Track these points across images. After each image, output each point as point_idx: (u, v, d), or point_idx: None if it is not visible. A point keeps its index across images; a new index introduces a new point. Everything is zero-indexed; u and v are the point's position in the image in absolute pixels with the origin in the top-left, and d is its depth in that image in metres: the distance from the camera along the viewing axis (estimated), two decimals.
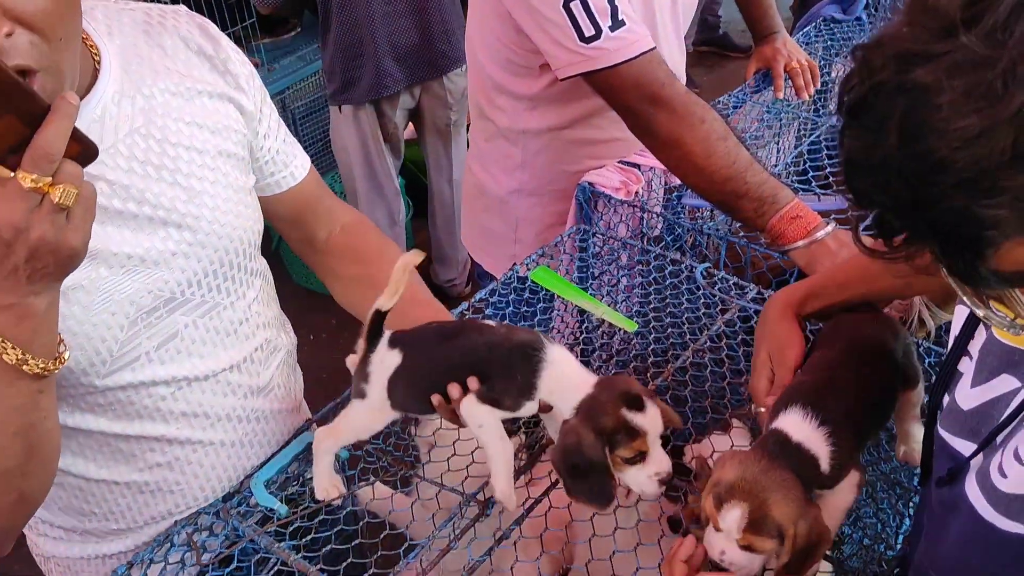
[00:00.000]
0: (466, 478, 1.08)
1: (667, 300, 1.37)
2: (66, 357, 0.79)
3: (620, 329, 1.34)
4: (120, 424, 0.98)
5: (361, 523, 1.05)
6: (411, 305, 1.13)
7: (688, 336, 1.30)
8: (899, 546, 1.06)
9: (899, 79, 0.52)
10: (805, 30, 2.09)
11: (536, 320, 1.34)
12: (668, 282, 1.39)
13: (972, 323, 0.74)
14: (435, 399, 0.95)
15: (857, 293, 1.03)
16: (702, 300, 1.34)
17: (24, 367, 0.74)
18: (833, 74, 2.02)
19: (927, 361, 1.17)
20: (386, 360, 0.95)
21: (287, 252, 3.17)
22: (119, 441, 0.99)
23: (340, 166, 2.93)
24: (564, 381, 0.93)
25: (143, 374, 0.96)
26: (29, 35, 0.72)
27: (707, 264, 1.39)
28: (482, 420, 0.93)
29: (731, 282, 1.36)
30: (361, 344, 0.97)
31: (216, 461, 1.07)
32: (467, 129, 2.71)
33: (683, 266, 1.40)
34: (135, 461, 1.01)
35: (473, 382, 0.93)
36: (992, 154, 0.47)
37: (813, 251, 1.32)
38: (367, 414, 0.97)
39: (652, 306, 1.37)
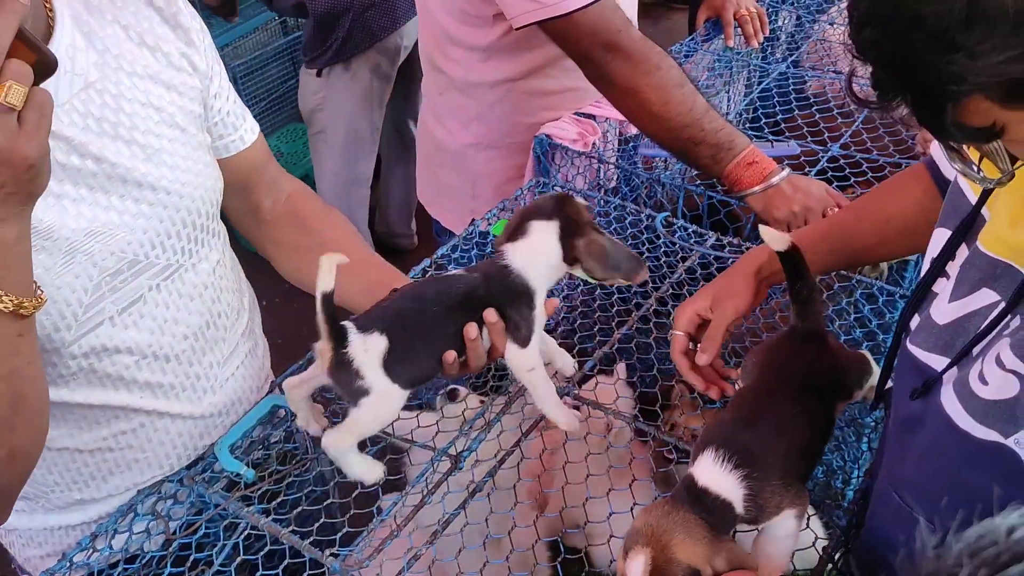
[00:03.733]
0: (436, 433, 1.08)
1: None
2: (44, 297, 0.75)
3: (582, 280, 1.34)
4: (84, 392, 0.94)
5: (331, 483, 1.03)
6: (364, 268, 1.11)
7: (650, 285, 1.30)
8: (857, 480, 1.09)
9: None
10: None
11: None
12: (628, 232, 1.40)
13: (952, 244, 0.76)
14: (449, 356, 0.94)
15: (832, 248, 1.03)
16: (663, 249, 1.35)
17: None
18: (780, 22, 2.03)
19: (880, 300, 1.19)
20: (370, 348, 0.90)
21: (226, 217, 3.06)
22: (83, 410, 0.96)
23: (314, 126, 2.83)
24: (535, 254, 0.96)
25: (108, 339, 0.93)
26: None
27: (666, 213, 1.40)
28: (532, 362, 0.97)
29: (690, 230, 1.37)
30: (325, 347, 0.90)
31: (183, 429, 1.04)
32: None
33: (642, 216, 1.40)
34: (99, 429, 0.98)
35: (491, 313, 0.94)
36: (952, 12, 0.51)
37: (769, 196, 1.33)
38: (378, 406, 0.91)
39: None
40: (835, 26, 1.94)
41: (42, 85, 0.69)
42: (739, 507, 0.80)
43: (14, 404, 0.75)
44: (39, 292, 0.75)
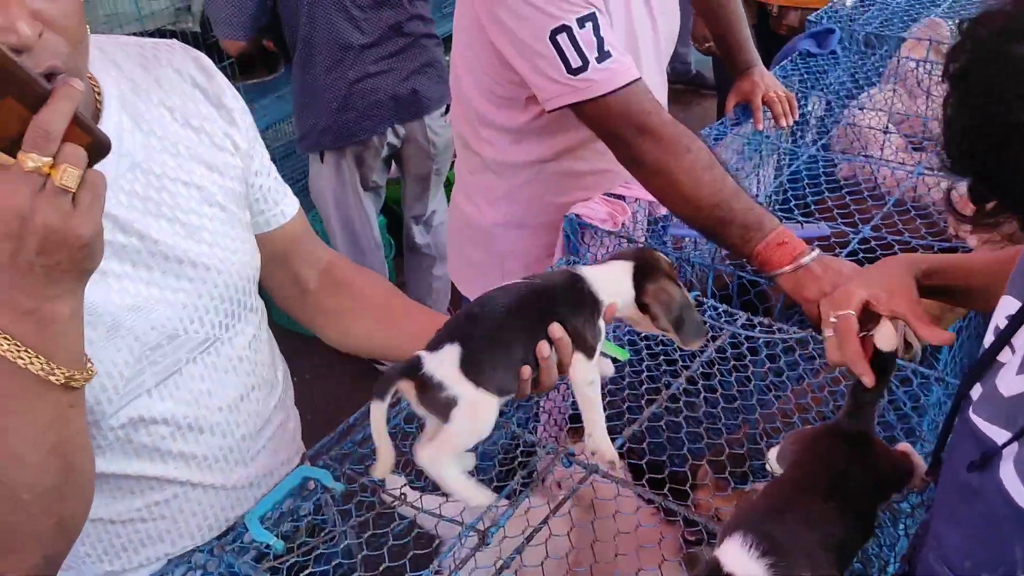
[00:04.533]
0: (464, 509, 1.07)
1: None
2: (94, 370, 0.77)
3: (612, 358, 1.34)
4: (119, 463, 0.95)
5: (358, 557, 1.03)
6: (410, 316, 1.14)
7: (680, 364, 1.30)
8: (893, 567, 1.06)
9: (1001, 51, 0.55)
10: (781, 64, 2.13)
11: None
12: None
13: (1021, 317, 0.75)
14: (524, 372, 0.95)
15: (980, 283, 0.99)
16: None
17: (51, 378, 0.72)
18: (810, 107, 2.07)
19: (915, 383, 1.18)
20: (443, 360, 0.91)
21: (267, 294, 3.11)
22: (118, 480, 0.97)
23: (320, 212, 2.89)
24: (607, 277, 0.99)
25: (145, 411, 0.94)
26: (56, 37, 0.73)
27: (695, 293, 1.40)
28: (593, 375, 0.98)
29: (720, 310, 1.37)
30: (406, 384, 0.92)
31: (214, 500, 1.04)
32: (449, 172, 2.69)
33: None
34: (132, 500, 0.99)
35: (557, 328, 0.95)
36: None
37: (799, 276, 1.33)
38: (471, 413, 0.91)
39: (643, 335, 1.38)
40: (865, 111, 1.97)
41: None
42: None
43: (64, 474, 0.77)
44: (89, 365, 0.77)
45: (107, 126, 0.88)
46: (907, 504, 1.07)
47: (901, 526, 1.07)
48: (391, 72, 2.45)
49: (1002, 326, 0.77)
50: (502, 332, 0.95)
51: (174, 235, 0.93)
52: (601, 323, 0.99)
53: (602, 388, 1.35)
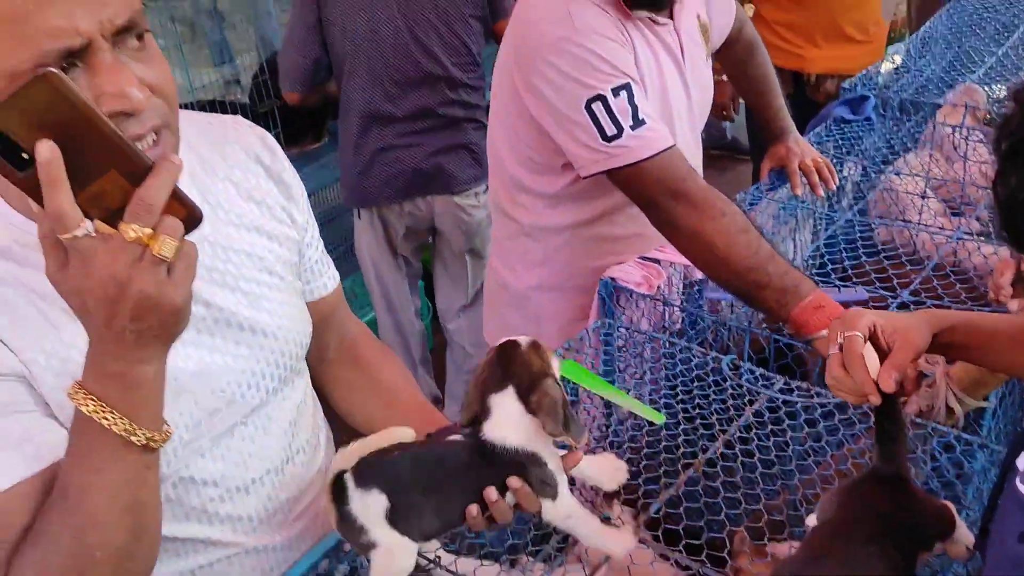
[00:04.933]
0: (499, 572, 1.06)
1: (693, 393, 1.37)
2: (170, 432, 0.79)
3: (648, 422, 1.33)
4: (169, 525, 0.96)
5: None
6: (409, 412, 1.14)
7: (716, 428, 1.29)
8: None
9: None
10: (816, 130, 2.15)
11: None
12: (694, 374, 1.40)
13: None
14: (472, 510, 0.93)
15: (1006, 345, 0.98)
16: (729, 392, 1.34)
17: (132, 438, 0.74)
18: (846, 172, 2.07)
19: (958, 449, 1.15)
20: (370, 504, 0.91)
21: None
22: (166, 542, 0.96)
23: (360, 266, 2.91)
24: (508, 433, 0.94)
25: (197, 472, 0.95)
26: (158, 100, 0.77)
27: (732, 356, 1.40)
28: (568, 510, 0.95)
29: (757, 373, 1.36)
30: (327, 502, 0.93)
31: (255, 563, 1.05)
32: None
33: (708, 358, 1.40)
34: (178, 562, 0.99)
35: (515, 480, 0.92)
36: None
37: None
38: (389, 558, 0.92)
39: (679, 399, 1.37)
40: (902, 176, 1.98)
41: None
42: None
43: (136, 533, 0.78)
44: (166, 427, 0.79)
45: None
46: (950, 574, 1.04)
47: None
48: (416, 147, 2.46)
49: None
50: (440, 484, 0.94)
51: (236, 303, 0.96)
52: (553, 467, 0.94)
53: (639, 451, 1.34)
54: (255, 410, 1.00)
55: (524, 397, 0.93)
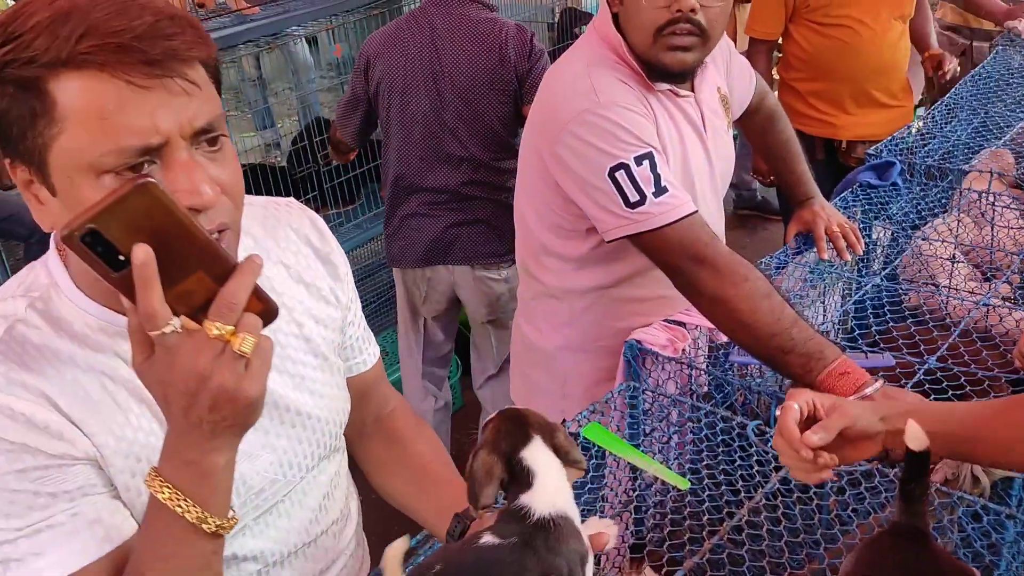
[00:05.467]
0: None
1: (719, 458, 1.36)
2: (236, 519, 0.81)
3: (673, 487, 1.33)
4: None
5: None
6: (439, 487, 1.13)
7: (743, 494, 1.28)
8: None
9: None
10: (842, 195, 2.16)
11: (589, 477, 1.34)
12: (719, 439, 1.39)
13: None
14: None
15: (969, 434, 1.00)
16: (755, 458, 1.33)
17: (204, 526, 0.76)
18: (874, 236, 2.08)
19: (986, 519, 1.13)
20: None
21: None
22: None
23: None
24: (556, 495, 0.89)
25: (239, 549, 0.96)
26: (226, 199, 0.80)
27: (758, 421, 1.39)
28: None
29: None
30: None
31: None
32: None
33: (734, 423, 1.40)
34: None
35: None
36: None
37: None
38: None
39: (704, 463, 1.37)
40: (930, 242, 1.98)
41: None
42: None
43: None
44: (232, 513, 0.81)
45: None
46: None
47: None
48: (437, 218, 2.54)
49: None
50: None
51: (283, 385, 0.97)
52: (582, 538, 0.89)
53: (665, 516, 1.34)
54: (295, 487, 1.01)
55: (551, 444, 0.91)
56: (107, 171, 0.74)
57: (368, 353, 1.16)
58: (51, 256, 0.87)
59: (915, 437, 0.92)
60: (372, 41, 2.51)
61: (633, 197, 1.38)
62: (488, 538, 0.87)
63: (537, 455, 0.90)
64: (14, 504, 0.78)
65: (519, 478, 0.89)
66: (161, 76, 0.74)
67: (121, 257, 0.69)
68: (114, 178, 0.75)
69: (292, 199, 1.10)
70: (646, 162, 1.38)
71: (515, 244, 1.77)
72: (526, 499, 0.88)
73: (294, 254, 1.03)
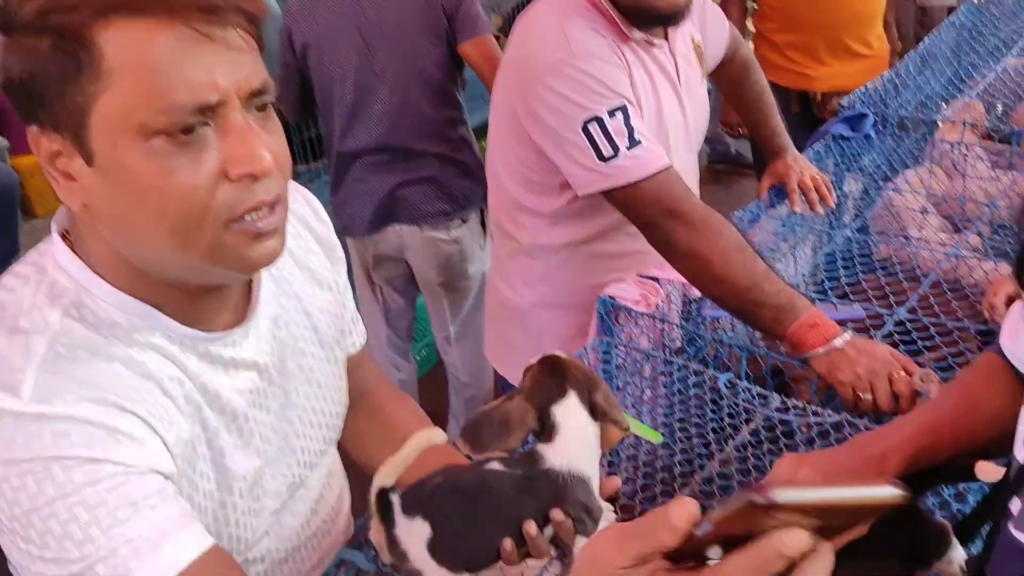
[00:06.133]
0: None
1: (691, 411, 1.38)
2: None
3: (646, 441, 1.34)
4: None
5: None
6: (427, 452, 1.12)
7: (714, 446, 1.30)
8: None
9: None
10: (815, 147, 2.16)
11: None
12: (692, 393, 1.40)
13: None
14: (507, 544, 0.88)
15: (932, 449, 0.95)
16: (726, 410, 1.34)
17: None
18: (846, 188, 2.08)
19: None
20: (413, 532, 0.88)
21: None
22: None
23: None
24: (576, 450, 0.89)
25: (256, 552, 0.94)
26: (277, 170, 0.75)
27: (730, 374, 1.40)
28: None
29: (754, 392, 1.36)
30: (376, 525, 0.91)
31: None
32: (468, 292, 2.62)
33: (706, 376, 1.41)
34: None
35: (558, 513, 0.88)
36: None
37: (833, 358, 1.33)
38: None
39: (677, 417, 1.38)
40: (902, 193, 1.98)
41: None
42: None
43: None
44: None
45: (256, 282, 0.89)
46: None
47: None
48: (378, 179, 2.44)
49: None
50: (479, 516, 0.89)
51: (296, 380, 0.93)
52: (594, 497, 0.89)
53: (637, 470, 1.35)
54: (303, 483, 0.98)
55: (587, 401, 0.90)
56: (158, 132, 0.68)
57: (357, 334, 1.12)
58: (60, 251, 0.78)
59: (986, 471, 0.88)
60: (290, 10, 2.38)
61: (606, 151, 1.37)
62: (496, 465, 0.89)
63: (568, 412, 0.89)
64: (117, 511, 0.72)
65: (545, 430, 0.90)
66: (223, 25, 0.69)
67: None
68: (166, 141, 0.69)
69: (294, 183, 1.04)
70: (619, 114, 1.37)
71: (488, 202, 1.75)
72: (542, 449, 0.89)
73: (294, 237, 0.97)
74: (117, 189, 0.71)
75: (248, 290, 0.90)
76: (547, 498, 0.89)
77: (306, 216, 1.00)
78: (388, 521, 0.89)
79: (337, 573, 1.10)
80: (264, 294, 0.90)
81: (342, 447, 1.18)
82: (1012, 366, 0.94)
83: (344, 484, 1.16)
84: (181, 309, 0.80)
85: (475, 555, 0.90)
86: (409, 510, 0.90)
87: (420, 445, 0.92)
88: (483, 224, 2.57)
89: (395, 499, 0.90)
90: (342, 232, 2.62)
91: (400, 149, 2.40)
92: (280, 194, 0.76)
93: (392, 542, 0.89)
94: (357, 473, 1.14)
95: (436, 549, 0.88)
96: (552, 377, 0.92)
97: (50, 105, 0.69)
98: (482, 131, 1.80)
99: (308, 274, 0.98)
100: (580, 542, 0.92)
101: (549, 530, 0.90)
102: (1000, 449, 1.00)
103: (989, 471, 0.88)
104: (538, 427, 0.91)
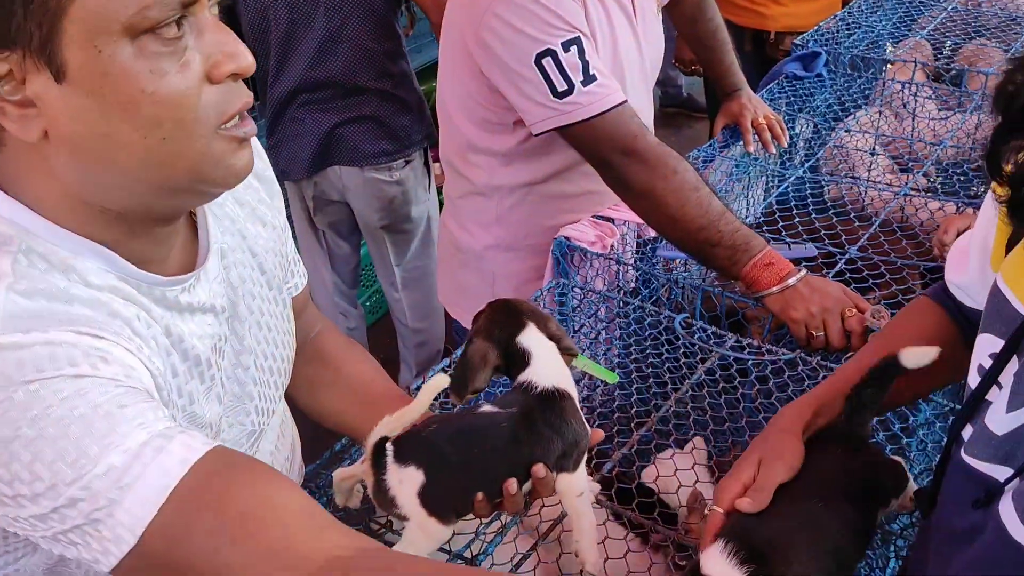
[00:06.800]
0: (452, 536, 1.06)
1: (647, 351, 1.37)
2: None
3: (602, 382, 1.33)
4: None
5: None
6: (386, 402, 1.05)
7: (670, 386, 1.30)
8: None
9: None
10: (768, 87, 2.15)
11: None
12: (647, 333, 1.40)
13: (1004, 356, 0.75)
14: (478, 497, 0.88)
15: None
16: (682, 350, 1.35)
17: None
18: (798, 129, 2.08)
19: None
20: (404, 479, 0.87)
21: None
22: None
23: None
24: (550, 366, 0.91)
25: None
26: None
27: (684, 315, 1.40)
28: (581, 486, 0.91)
29: (709, 331, 1.37)
30: (367, 469, 0.89)
31: None
32: (413, 232, 2.53)
33: (661, 317, 1.41)
34: None
35: (540, 469, 0.87)
36: None
37: (786, 297, 1.33)
38: (420, 534, 0.88)
39: (632, 358, 1.38)
40: (852, 133, 1.99)
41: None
42: None
43: None
44: None
45: (202, 220, 0.85)
46: (896, 525, 1.07)
47: (891, 547, 1.06)
48: (316, 119, 2.33)
49: (986, 365, 0.76)
50: (473, 466, 0.88)
51: (248, 323, 0.89)
52: (575, 422, 0.90)
53: (593, 411, 1.35)
54: (263, 433, 0.95)
55: (545, 331, 0.93)
56: (147, 30, 0.63)
57: (299, 275, 1.08)
58: None
59: (914, 355, 0.88)
60: None
61: (561, 86, 1.33)
62: (488, 407, 0.90)
63: (532, 339, 0.92)
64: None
65: (517, 361, 0.92)
66: None
67: None
68: (154, 41, 0.64)
69: None
70: (574, 48, 1.33)
71: (439, 141, 1.70)
72: (526, 376, 0.90)
73: (248, 185, 0.93)
74: (97, 103, 0.65)
75: (195, 231, 0.85)
76: (541, 428, 0.88)
77: None
78: (379, 468, 0.87)
79: None
80: (212, 233, 0.86)
81: (290, 394, 1.15)
82: (944, 306, 0.95)
83: (295, 432, 1.13)
84: (134, 249, 0.75)
85: (466, 501, 0.89)
86: (402, 458, 0.88)
87: (433, 391, 0.88)
88: (427, 165, 2.50)
89: (389, 447, 0.88)
90: (281, 176, 2.54)
91: (338, 85, 2.29)
92: (250, 103, 0.73)
93: (380, 488, 0.88)
94: (305, 423, 1.12)
95: (427, 497, 0.86)
96: (506, 314, 0.94)
97: (6, 18, 0.62)
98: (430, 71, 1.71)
99: (249, 211, 0.94)
100: (562, 478, 0.90)
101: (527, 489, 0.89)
102: (939, 384, 1.02)
103: (915, 356, 0.88)
104: (503, 363, 0.92)
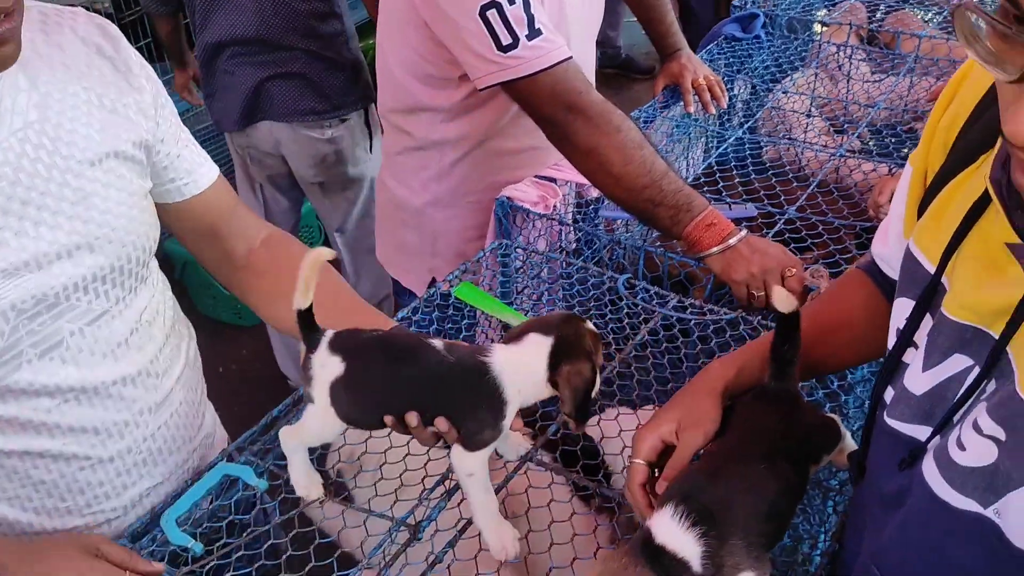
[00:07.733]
0: (395, 503, 1.04)
1: (591, 312, 1.37)
2: None
3: None
4: (1, 438, 0.92)
5: (283, 557, 0.98)
6: (350, 315, 1.09)
7: (614, 347, 1.29)
8: (824, 544, 1.07)
9: None
10: (708, 48, 2.14)
11: (460, 337, 1.31)
12: (591, 294, 1.39)
13: (917, 315, 0.76)
14: (388, 420, 0.90)
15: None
16: (625, 311, 1.34)
17: None
18: (736, 90, 2.09)
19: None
20: (327, 365, 0.89)
21: (192, 281, 3.03)
22: (0, 457, 0.93)
23: None
24: (520, 366, 0.90)
25: (25, 382, 0.91)
26: None
27: (627, 275, 1.39)
28: (472, 469, 0.90)
29: (652, 292, 1.36)
30: (301, 345, 0.92)
31: (107, 478, 1.01)
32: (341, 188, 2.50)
33: (604, 278, 1.40)
34: (17, 479, 0.95)
35: (442, 422, 0.89)
36: None
37: (728, 257, 1.33)
38: (317, 419, 0.91)
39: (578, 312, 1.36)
40: (788, 95, 2.00)
41: None
42: (697, 566, 0.77)
43: None
44: None
45: (2, 84, 0.85)
46: (835, 481, 1.09)
47: (830, 503, 1.08)
48: (245, 72, 2.30)
49: (902, 327, 0.77)
50: (389, 383, 0.90)
51: (61, 199, 0.90)
52: (503, 424, 0.90)
53: None
54: (90, 318, 0.95)
55: (556, 357, 0.90)
56: None
57: (200, 174, 1.09)
58: None
59: (782, 299, 0.91)
60: None
61: (505, 40, 1.29)
62: (439, 344, 0.92)
63: (536, 343, 0.92)
64: None
65: (515, 338, 0.94)
66: None
67: None
68: None
69: (79, 8, 0.99)
70: (519, 1, 1.28)
71: (378, 98, 1.64)
72: (496, 354, 0.91)
73: (84, 63, 0.94)
74: None
75: None
76: (459, 387, 0.90)
77: (99, 44, 0.97)
78: (311, 344, 0.90)
79: (221, 490, 1.05)
80: (19, 104, 0.88)
81: (252, 307, 1.16)
82: (873, 278, 0.96)
83: (185, 346, 1.12)
84: None
85: (365, 413, 0.92)
86: (335, 347, 0.90)
87: (315, 263, 0.89)
88: (368, 125, 2.45)
89: (329, 333, 0.91)
90: (216, 126, 2.48)
91: (265, 41, 2.24)
92: (16, 3, 0.78)
93: (307, 364, 0.91)
94: (243, 390, 1.08)
95: (336, 391, 0.89)
96: (561, 320, 0.94)
97: None
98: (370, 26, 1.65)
99: (96, 98, 0.95)
100: (456, 450, 0.90)
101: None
102: (867, 355, 1.04)
103: (784, 299, 0.90)
104: (511, 337, 0.93)
